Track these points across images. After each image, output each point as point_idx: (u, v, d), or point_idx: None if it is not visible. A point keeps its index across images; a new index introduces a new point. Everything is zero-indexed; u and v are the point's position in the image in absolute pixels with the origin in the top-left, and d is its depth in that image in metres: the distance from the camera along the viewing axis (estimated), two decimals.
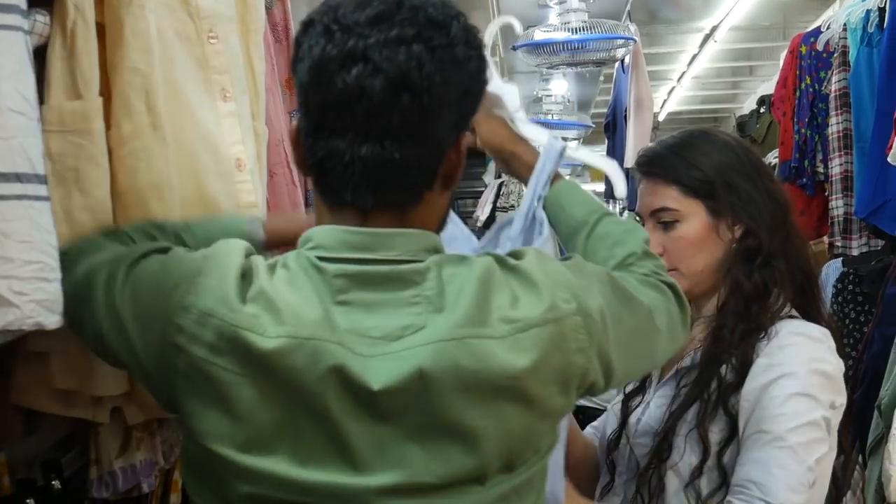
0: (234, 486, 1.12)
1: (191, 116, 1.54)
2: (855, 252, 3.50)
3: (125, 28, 1.40)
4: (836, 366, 1.61)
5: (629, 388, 1.77)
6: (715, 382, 1.60)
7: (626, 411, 1.75)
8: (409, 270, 1.13)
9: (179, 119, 1.51)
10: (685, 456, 1.60)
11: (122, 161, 1.40)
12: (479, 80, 1.18)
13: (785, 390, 1.54)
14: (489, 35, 1.71)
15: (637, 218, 1.77)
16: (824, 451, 1.55)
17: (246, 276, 1.14)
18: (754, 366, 1.58)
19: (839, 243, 3.53)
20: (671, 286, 1.37)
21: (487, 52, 1.25)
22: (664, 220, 1.68)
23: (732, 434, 1.57)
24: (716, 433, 1.58)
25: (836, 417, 1.59)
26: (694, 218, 1.66)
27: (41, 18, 1.33)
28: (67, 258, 1.21)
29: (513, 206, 7.12)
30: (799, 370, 1.55)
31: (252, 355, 1.09)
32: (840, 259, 3.51)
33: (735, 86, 9.53)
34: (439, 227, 1.24)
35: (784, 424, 1.52)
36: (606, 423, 1.81)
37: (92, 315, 1.19)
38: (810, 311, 1.69)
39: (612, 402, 1.85)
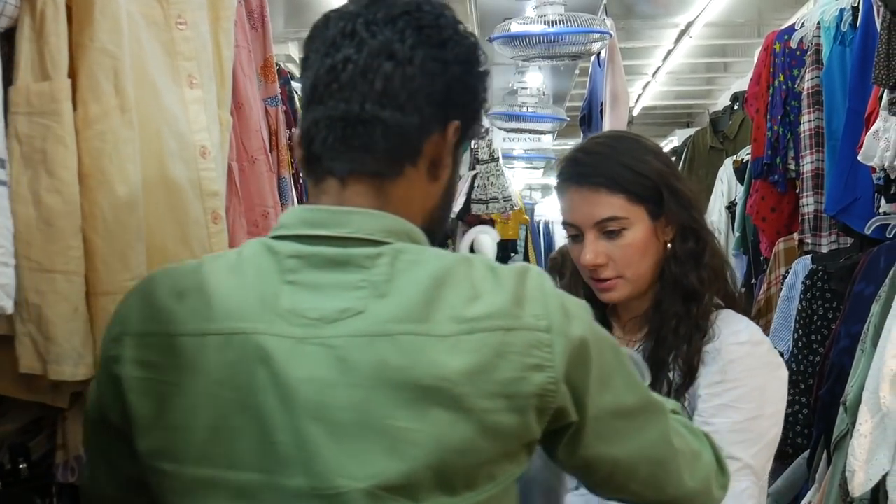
0: (178, 502, 1.13)
1: (157, 101, 1.53)
2: (824, 249, 3.52)
3: (95, 9, 1.39)
4: (779, 362, 1.68)
5: None
6: (665, 387, 1.62)
7: None
8: (360, 254, 1.11)
9: (145, 103, 1.50)
10: None
11: (88, 142, 1.39)
12: (469, 68, 1.20)
13: (746, 414, 1.58)
14: None
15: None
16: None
17: (179, 276, 1.16)
18: (704, 373, 1.62)
19: (809, 240, 3.55)
20: (710, 441, 1.32)
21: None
22: (611, 229, 1.65)
23: None
24: None
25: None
26: (639, 224, 1.65)
27: (12, 1, 1.32)
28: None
29: (493, 199, 7.11)
30: (754, 391, 1.60)
31: (185, 360, 1.10)
32: (810, 256, 3.53)
33: (709, 82, 9.55)
34: (428, 219, 1.20)
35: (749, 450, 1.58)
36: None
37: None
38: (727, 302, 1.72)
39: None
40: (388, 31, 1.13)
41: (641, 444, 1.20)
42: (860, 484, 2.22)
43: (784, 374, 1.67)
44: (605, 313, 1.79)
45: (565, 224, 1.71)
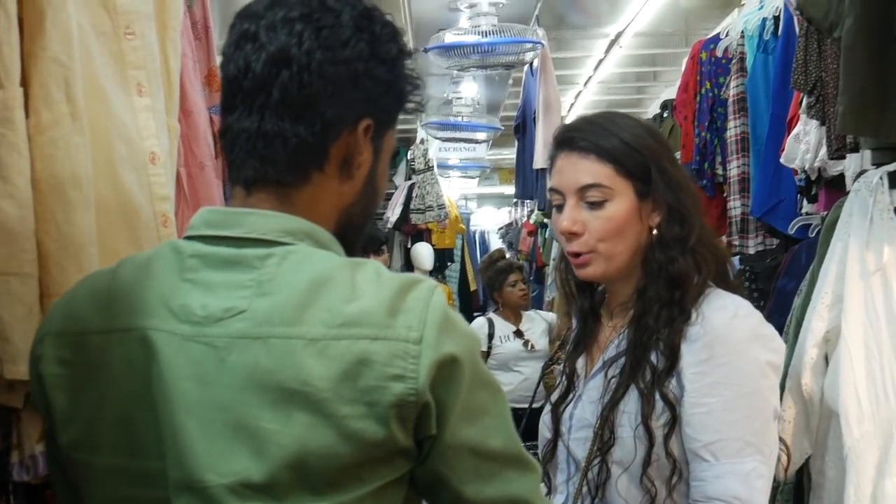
0: (92, 491, 1.18)
1: (107, 109, 1.57)
2: (751, 251, 3.62)
3: (46, 19, 1.42)
4: (772, 334, 1.60)
5: (555, 396, 1.74)
6: (648, 371, 1.57)
7: (556, 417, 1.71)
8: (252, 254, 1.12)
9: (96, 111, 1.53)
10: (637, 454, 1.56)
11: (41, 149, 1.42)
12: (377, 62, 1.18)
13: (739, 390, 1.52)
14: None
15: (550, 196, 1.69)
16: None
17: (98, 278, 1.22)
18: (689, 352, 1.55)
19: (737, 242, 3.65)
20: None
21: None
22: (592, 199, 1.61)
23: (674, 420, 1.55)
24: (657, 420, 1.56)
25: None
26: (623, 199, 1.61)
27: None
28: None
29: (429, 208, 7.19)
30: (745, 364, 1.53)
31: (94, 356, 1.15)
32: (738, 257, 3.63)
33: (639, 90, 9.70)
34: (345, 217, 1.22)
35: (749, 426, 1.51)
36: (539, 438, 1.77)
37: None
38: (721, 285, 1.66)
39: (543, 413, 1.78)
40: (285, 35, 1.13)
41: (498, 493, 1.13)
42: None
43: (779, 345, 1.60)
44: (594, 302, 1.76)
45: (551, 191, 1.68)
